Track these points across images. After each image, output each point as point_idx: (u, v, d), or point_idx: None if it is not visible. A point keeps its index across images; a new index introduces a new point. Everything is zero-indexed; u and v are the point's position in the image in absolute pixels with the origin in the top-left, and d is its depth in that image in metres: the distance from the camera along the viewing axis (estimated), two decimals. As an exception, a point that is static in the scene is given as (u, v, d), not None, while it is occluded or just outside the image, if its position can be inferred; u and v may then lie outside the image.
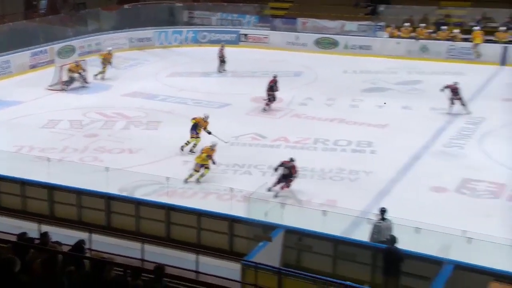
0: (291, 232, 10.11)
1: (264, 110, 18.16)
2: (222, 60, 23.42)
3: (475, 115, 17.23)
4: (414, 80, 21.56)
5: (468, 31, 24.74)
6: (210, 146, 13.62)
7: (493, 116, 17.12)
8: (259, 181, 12.70)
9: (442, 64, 23.32)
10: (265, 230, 9.97)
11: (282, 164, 12.71)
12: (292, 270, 9.09)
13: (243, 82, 22.14)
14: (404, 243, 9.23)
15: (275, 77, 18.34)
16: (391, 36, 25.87)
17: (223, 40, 26.97)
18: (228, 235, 10.40)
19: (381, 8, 28.06)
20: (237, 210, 10.93)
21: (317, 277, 8.63)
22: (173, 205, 11.11)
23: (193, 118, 15.25)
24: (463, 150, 14.99)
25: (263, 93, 18.69)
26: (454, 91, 17.06)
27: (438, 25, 25.56)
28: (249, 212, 10.86)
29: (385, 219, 10.12)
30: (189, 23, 29.81)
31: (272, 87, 18.12)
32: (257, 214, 10.61)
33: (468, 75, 21.45)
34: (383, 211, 10.22)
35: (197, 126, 15.01)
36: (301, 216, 11.33)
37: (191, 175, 13.24)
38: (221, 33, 28.52)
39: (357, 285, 8.45)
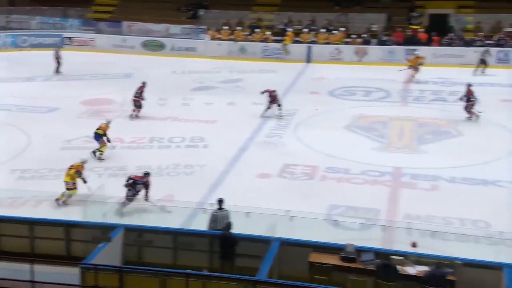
0: (130, 230, 9.80)
1: (131, 117, 17.11)
2: (58, 62, 21.90)
3: (289, 108, 18.37)
4: (236, 78, 22.26)
5: (278, 33, 26.32)
6: (81, 162, 12.13)
7: (303, 107, 18.34)
8: (95, 184, 12.05)
9: (259, 63, 24.38)
10: (104, 231, 9.52)
11: (133, 179, 11.60)
12: (132, 266, 8.82)
13: (70, 85, 20.84)
14: (238, 227, 9.52)
15: (144, 83, 17.45)
16: (213, 38, 26.40)
17: (46, 44, 25.19)
18: (64, 240, 9.70)
19: (201, 12, 28.52)
20: (74, 214, 10.25)
21: (157, 270, 8.52)
22: (1, 216, 10.02)
23: (98, 128, 14.10)
24: (282, 139, 15.84)
25: (93, 95, 17.73)
26: (273, 97, 17.37)
27: (252, 28, 26.75)
28: (86, 215, 10.28)
29: (222, 208, 10.31)
30: (6, 28, 27.13)
31: (141, 94, 17.26)
32: (95, 216, 10.10)
33: (280, 72, 22.84)
34: (220, 201, 10.40)
35: (98, 133, 14.03)
36: (141, 213, 11.06)
37: (63, 195, 11.76)
38: (42, 36, 26.45)
39: (196, 272, 8.46)
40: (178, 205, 11.31)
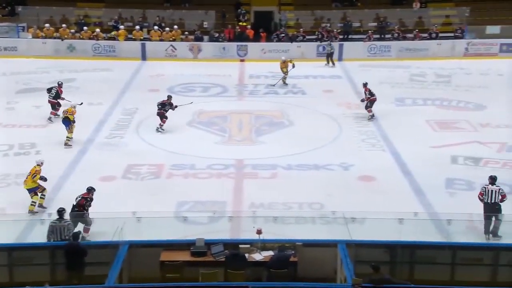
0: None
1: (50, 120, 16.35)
2: None
3: (129, 107, 17.90)
4: (67, 78, 20.86)
5: (109, 30, 25.41)
6: (37, 164, 11.46)
7: (143, 106, 17.96)
8: None
9: (91, 62, 23.32)
10: None
11: (82, 198, 10.45)
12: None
13: None
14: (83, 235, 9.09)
15: (60, 84, 16.65)
16: (35, 36, 24.53)
17: None
18: None
19: (19, 8, 26.29)
20: None
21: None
22: None
23: (65, 112, 14.54)
24: (124, 139, 15.37)
25: None
26: (170, 105, 15.88)
27: (80, 25, 25.45)
28: None
29: (62, 218, 9.69)
30: None
31: (58, 95, 16.38)
32: None
33: (115, 70, 22.18)
34: (59, 211, 9.76)
35: (69, 118, 14.40)
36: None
37: (33, 204, 11.16)
38: None
39: (36, 287, 7.92)
40: (11, 219, 10.40)
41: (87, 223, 10.32)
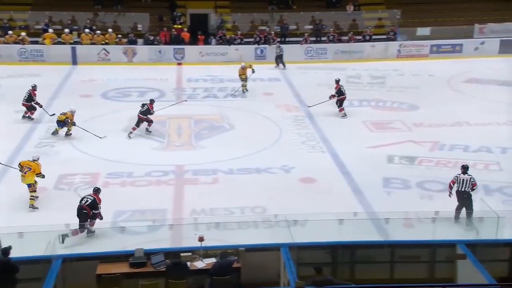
0: None
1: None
2: None
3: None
4: (-9, 84, 20.04)
5: (35, 34, 24.40)
6: (34, 159, 11.84)
7: (76, 112, 17.39)
8: None
9: (17, 67, 22.35)
10: None
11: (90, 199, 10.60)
12: None
13: None
14: (12, 251, 8.57)
15: (33, 87, 16.64)
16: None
17: None
18: None
19: None
20: None
21: None
22: None
23: (63, 115, 15.18)
24: (55, 148, 14.85)
25: None
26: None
27: (4, 29, 24.31)
28: None
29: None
30: None
31: (30, 97, 16.50)
32: None
33: (44, 76, 21.26)
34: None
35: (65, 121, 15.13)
36: None
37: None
38: None
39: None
40: None
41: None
